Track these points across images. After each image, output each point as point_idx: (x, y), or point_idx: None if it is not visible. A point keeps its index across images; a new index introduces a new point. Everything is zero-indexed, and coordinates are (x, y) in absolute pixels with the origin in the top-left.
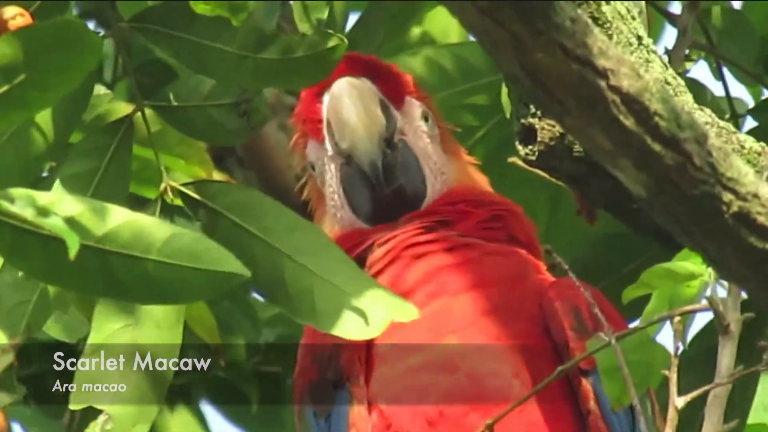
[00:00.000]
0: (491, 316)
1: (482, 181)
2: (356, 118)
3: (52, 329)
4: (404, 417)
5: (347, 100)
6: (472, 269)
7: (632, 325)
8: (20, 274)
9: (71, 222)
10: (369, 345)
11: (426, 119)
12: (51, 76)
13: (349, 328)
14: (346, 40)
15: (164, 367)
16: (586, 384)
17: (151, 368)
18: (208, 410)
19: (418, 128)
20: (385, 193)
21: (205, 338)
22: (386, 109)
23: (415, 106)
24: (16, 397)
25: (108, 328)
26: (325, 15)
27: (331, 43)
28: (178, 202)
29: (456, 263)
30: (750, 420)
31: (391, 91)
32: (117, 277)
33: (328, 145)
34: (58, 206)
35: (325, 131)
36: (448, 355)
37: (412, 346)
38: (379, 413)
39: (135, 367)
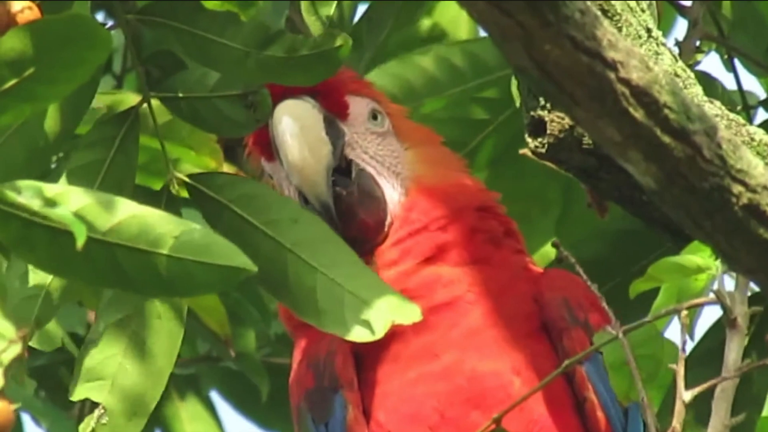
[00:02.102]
0: (486, 319)
1: (446, 162)
2: (300, 160)
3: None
4: (404, 424)
5: (289, 138)
6: (462, 276)
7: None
8: (28, 267)
9: (78, 214)
10: (363, 351)
11: (374, 117)
12: (60, 71)
13: (351, 329)
14: (350, 40)
15: (164, 361)
16: (581, 372)
17: (151, 361)
18: (218, 402)
19: (367, 132)
20: (349, 230)
21: (216, 329)
22: (332, 127)
23: (362, 106)
24: (27, 390)
25: (109, 319)
26: (332, 10)
27: (337, 43)
28: (184, 193)
29: (445, 272)
30: (765, 413)
31: (334, 102)
32: (124, 270)
33: (281, 168)
34: (66, 199)
35: (276, 155)
36: (445, 362)
37: (408, 354)
38: (377, 423)
39: (134, 360)
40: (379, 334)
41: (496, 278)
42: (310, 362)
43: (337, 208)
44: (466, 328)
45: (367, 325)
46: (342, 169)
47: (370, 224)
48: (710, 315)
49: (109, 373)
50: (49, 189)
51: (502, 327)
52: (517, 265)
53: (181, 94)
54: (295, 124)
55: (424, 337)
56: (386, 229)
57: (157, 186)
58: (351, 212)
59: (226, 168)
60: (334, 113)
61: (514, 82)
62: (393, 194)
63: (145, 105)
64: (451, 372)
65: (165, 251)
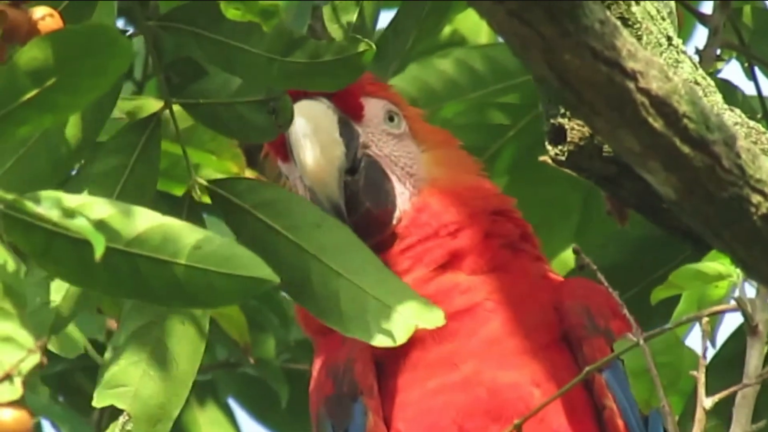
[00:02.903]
0: (506, 328)
1: (463, 166)
2: (313, 161)
3: (52, 342)
4: None
5: (302, 139)
6: (479, 284)
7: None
8: (44, 274)
9: (100, 225)
10: (383, 358)
11: (391, 118)
12: (81, 80)
13: (374, 334)
14: (374, 46)
15: (188, 366)
16: (600, 380)
17: (175, 367)
18: (236, 409)
19: (383, 133)
20: (353, 219)
21: (234, 335)
22: (347, 128)
23: (378, 108)
24: (41, 397)
25: (132, 326)
26: (354, 17)
27: (360, 48)
28: (206, 199)
29: (462, 279)
30: None
31: (349, 104)
32: (146, 280)
33: (295, 168)
34: (88, 209)
35: (290, 156)
36: (464, 372)
37: (428, 363)
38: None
39: (158, 366)
40: (403, 339)
41: (516, 286)
42: (329, 369)
43: (345, 198)
44: (486, 337)
45: (390, 330)
46: (356, 170)
47: (377, 215)
48: (731, 322)
49: (133, 379)
50: (71, 199)
51: (522, 336)
52: (536, 273)
53: (203, 101)
54: (309, 125)
55: (443, 346)
56: (394, 222)
57: (178, 191)
58: (356, 201)
59: (248, 173)
60: (349, 114)
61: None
62: (404, 191)
63: (166, 111)
64: (470, 383)
65: (187, 262)
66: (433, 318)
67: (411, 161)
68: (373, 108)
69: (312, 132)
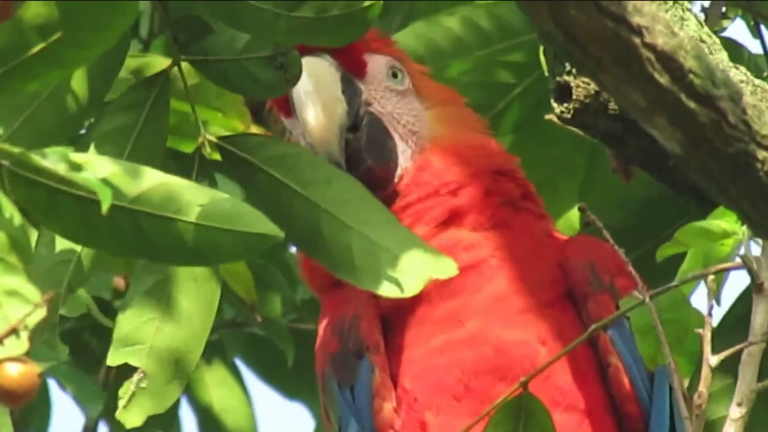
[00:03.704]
0: (511, 285)
1: (467, 123)
2: (314, 118)
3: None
4: (429, 393)
5: (304, 96)
6: (483, 240)
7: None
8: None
9: (105, 183)
10: (389, 315)
11: (395, 75)
12: (87, 35)
13: (388, 285)
14: (380, 1)
15: (202, 323)
16: (605, 337)
17: (189, 323)
18: (242, 370)
19: (386, 90)
20: (354, 176)
21: (242, 294)
22: (349, 85)
23: (381, 64)
24: (59, 357)
25: (144, 284)
26: None
27: (366, 3)
28: (216, 156)
29: (465, 236)
30: None
31: (352, 60)
32: (150, 238)
33: (297, 123)
34: (92, 167)
35: (293, 111)
36: (470, 329)
37: (433, 320)
38: (403, 390)
39: (172, 323)
40: (416, 289)
41: (519, 243)
42: (335, 326)
43: (346, 156)
44: (491, 294)
45: (403, 281)
46: (358, 127)
47: (378, 173)
48: (737, 280)
49: (147, 336)
50: (76, 157)
51: (528, 294)
52: (540, 231)
53: (211, 57)
54: (311, 82)
55: (449, 302)
56: (396, 180)
57: (186, 148)
58: (357, 158)
59: (254, 130)
60: (352, 71)
61: (541, 48)
62: (406, 149)
63: (175, 68)
64: (476, 340)
65: (191, 219)
66: (445, 268)
67: (414, 119)
68: (377, 64)
69: (314, 89)
